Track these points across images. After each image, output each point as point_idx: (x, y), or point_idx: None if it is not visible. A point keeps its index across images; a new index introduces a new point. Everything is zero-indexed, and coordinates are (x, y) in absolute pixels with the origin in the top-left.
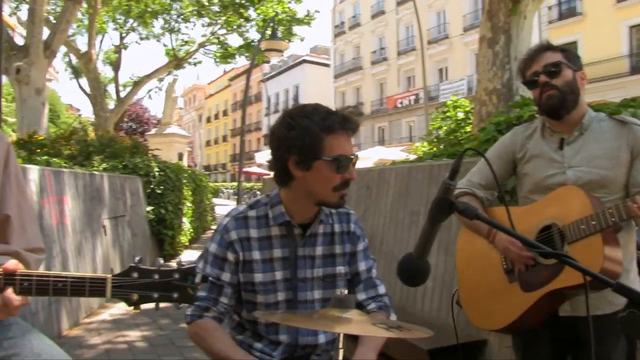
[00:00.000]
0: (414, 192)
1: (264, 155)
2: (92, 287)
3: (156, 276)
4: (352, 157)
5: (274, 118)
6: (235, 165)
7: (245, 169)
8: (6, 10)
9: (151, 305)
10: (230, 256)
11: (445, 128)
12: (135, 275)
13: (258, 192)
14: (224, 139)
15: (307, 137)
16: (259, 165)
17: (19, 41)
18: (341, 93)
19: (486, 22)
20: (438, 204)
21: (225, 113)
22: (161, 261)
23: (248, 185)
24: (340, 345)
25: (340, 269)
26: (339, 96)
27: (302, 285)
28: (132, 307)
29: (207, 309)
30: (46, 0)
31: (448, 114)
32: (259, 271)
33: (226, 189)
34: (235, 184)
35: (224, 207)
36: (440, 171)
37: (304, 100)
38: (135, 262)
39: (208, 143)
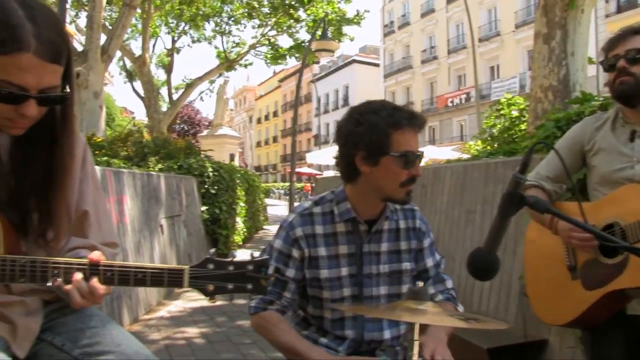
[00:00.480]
0: (469, 190)
1: (315, 156)
2: (170, 278)
3: (231, 268)
4: (419, 153)
5: (324, 118)
6: (286, 166)
7: (296, 170)
8: (66, 19)
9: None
10: (295, 253)
11: (499, 126)
12: (211, 266)
13: (308, 194)
14: (274, 139)
15: (374, 133)
16: (309, 166)
17: (78, 47)
18: (391, 93)
19: (541, 18)
20: (508, 198)
21: (275, 114)
22: (212, 251)
23: (299, 185)
24: (416, 336)
25: (406, 265)
26: (389, 96)
27: (368, 281)
28: (207, 298)
29: (271, 302)
30: (103, 7)
31: (502, 111)
32: (325, 267)
33: (277, 189)
34: (285, 184)
35: (275, 207)
36: (497, 169)
37: (353, 100)
38: (210, 254)
39: (258, 144)
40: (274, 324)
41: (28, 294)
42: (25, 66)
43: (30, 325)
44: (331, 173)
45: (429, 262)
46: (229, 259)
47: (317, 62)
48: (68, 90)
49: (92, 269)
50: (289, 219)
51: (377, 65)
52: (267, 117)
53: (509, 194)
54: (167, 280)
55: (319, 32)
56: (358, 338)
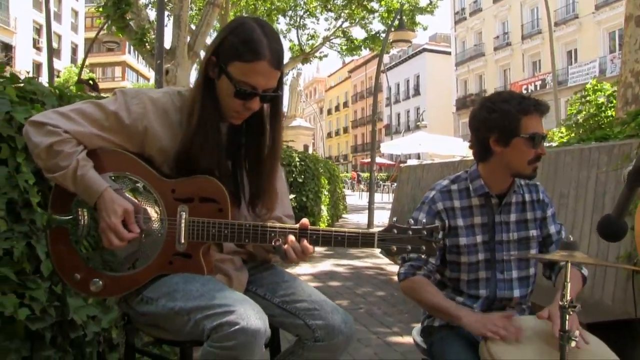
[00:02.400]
0: (562, 175)
1: (388, 146)
2: (363, 240)
3: (410, 232)
4: (544, 134)
5: (395, 108)
6: (357, 156)
7: (367, 160)
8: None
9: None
10: (438, 223)
11: (584, 113)
12: (394, 231)
13: (381, 182)
14: (345, 130)
15: (506, 119)
16: (381, 155)
17: (166, 45)
18: (463, 81)
19: (634, 0)
20: (636, 173)
21: (345, 105)
22: (395, 219)
23: (365, 174)
24: (568, 279)
25: (533, 232)
26: (461, 84)
27: (499, 247)
28: (390, 257)
29: (419, 267)
30: (189, 7)
31: (588, 98)
32: (463, 235)
33: (349, 179)
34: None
35: (348, 197)
36: (590, 154)
37: (424, 89)
38: (393, 221)
39: (329, 135)
40: (422, 287)
41: (233, 254)
42: (260, 71)
43: (241, 278)
44: (414, 161)
45: (552, 229)
46: (408, 225)
47: (388, 53)
48: (280, 92)
49: (302, 232)
50: (430, 195)
51: (448, 53)
52: (337, 108)
53: (636, 168)
54: (361, 242)
55: (395, 23)
56: (491, 296)
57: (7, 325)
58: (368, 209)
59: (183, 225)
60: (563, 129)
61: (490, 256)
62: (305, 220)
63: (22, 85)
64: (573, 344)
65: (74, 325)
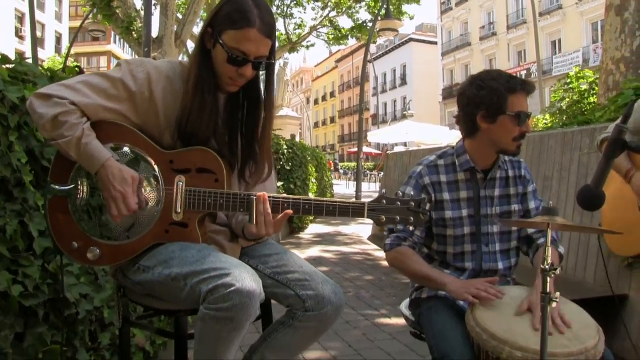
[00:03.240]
0: (546, 158)
1: (375, 135)
2: (354, 210)
3: (398, 203)
4: (529, 113)
5: (381, 98)
6: (344, 146)
7: (354, 149)
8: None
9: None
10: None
11: (567, 100)
12: (383, 202)
13: (368, 172)
14: (332, 120)
15: (494, 96)
16: (368, 145)
17: (153, 34)
18: (449, 70)
19: None
20: (613, 143)
21: (332, 94)
22: (384, 190)
23: (352, 164)
24: (549, 242)
25: (515, 207)
26: (447, 74)
27: (484, 220)
28: (379, 226)
29: (405, 238)
30: None
31: (571, 85)
32: (449, 209)
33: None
34: (344, 164)
35: (336, 186)
36: (573, 137)
37: (411, 79)
38: (382, 192)
39: (316, 124)
40: (408, 256)
41: (226, 225)
42: (251, 38)
43: (234, 248)
44: (401, 148)
45: (532, 205)
46: (396, 197)
47: (374, 42)
48: (272, 60)
49: (295, 202)
50: (417, 170)
51: (434, 43)
52: (324, 98)
53: (614, 139)
54: (352, 211)
55: (382, 12)
56: (477, 268)
57: (1, 301)
58: (355, 197)
59: (180, 194)
60: (547, 116)
61: (476, 229)
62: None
63: (13, 65)
64: (554, 304)
65: (67, 303)
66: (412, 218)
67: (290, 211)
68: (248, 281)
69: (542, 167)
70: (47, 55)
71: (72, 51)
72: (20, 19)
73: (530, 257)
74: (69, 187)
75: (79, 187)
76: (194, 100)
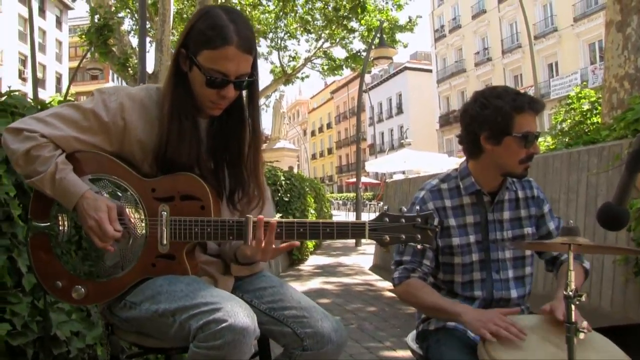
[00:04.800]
0: (551, 180)
1: (373, 164)
2: (353, 230)
3: (403, 220)
4: (537, 133)
5: (378, 127)
6: (342, 177)
7: (352, 180)
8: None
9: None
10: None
11: (569, 121)
12: (386, 220)
13: (367, 202)
14: (329, 151)
15: (499, 116)
16: (366, 175)
17: (149, 69)
18: (445, 98)
19: (614, 5)
20: (636, 155)
21: (329, 126)
22: (404, 208)
23: (351, 194)
24: (571, 267)
25: (528, 230)
26: (444, 101)
27: (494, 246)
28: (383, 248)
29: (414, 270)
30: (170, 32)
31: (572, 106)
32: (456, 235)
33: (335, 199)
34: (343, 194)
35: (335, 217)
36: (580, 157)
37: (407, 107)
38: (384, 210)
39: (314, 156)
40: (419, 289)
41: (219, 256)
42: (229, 57)
43: (227, 282)
44: (400, 177)
45: (551, 225)
46: (401, 213)
47: (369, 72)
48: (255, 77)
49: (288, 226)
50: (420, 195)
51: (429, 71)
52: (320, 130)
53: (635, 151)
54: (351, 233)
55: (375, 41)
56: (488, 297)
57: None
58: None
59: (165, 225)
60: (549, 138)
61: (485, 256)
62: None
63: (3, 99)
64: (581, 336)
65: (57, 341)
66: (419, 236)
67: (296, 243)
68: (241, 316)
69: (547, 190)
70: (49, 95)
71: (73, 90)
72: (23, 61)
73: (554, 273)
74: (48, 223)
75: (59, 223)
76: (171, 128)
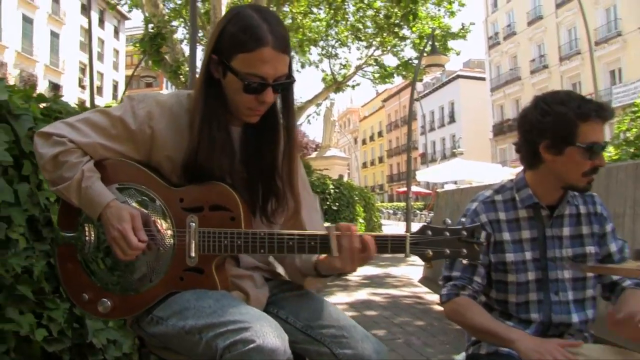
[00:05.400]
0: (615, 193)
1: (424, 174)
2: (394, 245)
3: (447, 234)
4: (604, 144)
5: (430, 136)
6: (393, 186)
7: (403, 189)
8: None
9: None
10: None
11: (634, 130)
12: (429, 233)
13: (418, 212)
14: (380, 160)
15: (562, 124)
16: (418, 184)
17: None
18: (499, 106)
19: None
20: None
21: (380, 134)
22: (449, 220)
23: (402, 204)
24: None
25: (590, 249)
26: (497, 109)
27: (552, 265)
28: (426, 263)
29: (463, 287)
30: None
31: (638, 114)
32: (510, 251)
33: (385, 209)
34: (393, 204)
35: (385, 226)
36: None
37: (459, 116)
38: (427, 222)
39: (364, 165)
40: (468, 308)
41: (253, 269)
42: (266, 58)
43: (259, 297)
44: (452, 187)
45: (613, 247)
46: (444, 226)
47: (421, 80)
48: (293, 79)
49: (323, 239)
50: (472, 207)
51: (482, 79)
52: (371, 138)
53: None
54: (391, 247)
55: (427, 49)
56: (546, 321)
57: (24, 346)
58: None
59: (193, 236)
60: (611, 148)
61: (542, 275)
62: (343, 224)
63: (48, 104)
64: None
65: (93, 349)
66: (465, 250)
67: (374, 247)
68: (271, 337)
69: (610, 203)
70: (106, 102)
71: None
72: (82, 70)
73: (612, 302)
74: (75, 233)
75: (86, 233)
76: (202, 138)
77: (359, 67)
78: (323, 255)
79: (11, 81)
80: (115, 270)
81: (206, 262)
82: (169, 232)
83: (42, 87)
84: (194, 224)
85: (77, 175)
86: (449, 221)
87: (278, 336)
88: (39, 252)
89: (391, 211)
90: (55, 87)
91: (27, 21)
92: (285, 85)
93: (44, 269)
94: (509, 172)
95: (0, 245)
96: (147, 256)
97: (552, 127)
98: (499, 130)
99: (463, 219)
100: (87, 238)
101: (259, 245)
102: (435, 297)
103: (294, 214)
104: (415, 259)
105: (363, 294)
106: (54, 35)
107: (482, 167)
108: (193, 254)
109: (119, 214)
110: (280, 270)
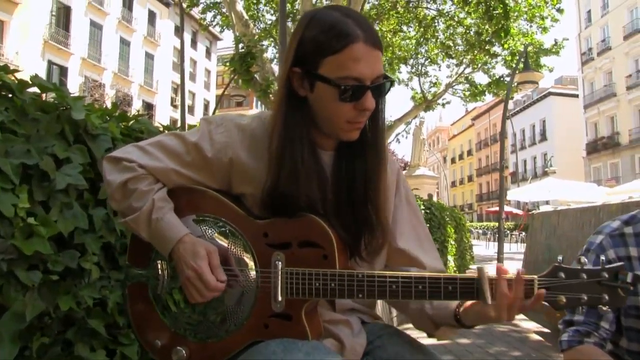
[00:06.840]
0: None
1: (514, 193)
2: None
3: (584, 276)
4: None
5: (521, 155)
6: (482, 205)
7: (493, 208)
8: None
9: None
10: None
11: None
12: (562, 275)
13: (508, 232)
14: (469, 179)
15: None
16: (508, 203)
17: None
18: (593, 124)
19: None
20: None
21: (469, 153)
22: (584, 259)
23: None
24: None
25: None
26: (591, 127)
27: None
28: (556, 312)
29: (588, 334)
30: None
31: None
32: None
33: (475, 228)
34: (483, 223)
35: (475, 247)
36: None
37: (551, 134)
38: (559, 261)
39: (453, 184)
40: (594, 358)
41: (350, 313)
42: (359, 56)
43: (356, 348)
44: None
45: None
46: (580, 266)
47: (512, 98)
48: (390, 78)
49: (433, 282)
50: (597, 241)
51: (575, 96)
52: (461, 157)
53: None
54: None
55: (520, 65)
56: None
57: None
58: (497, 259)
59: (280, 278)
60: None
61: None
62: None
63: (130, 123)
64: None
65: None
66: (606, 296)
67: (543, 291)
68: None
69: None
70: (197, 121)
71: None
72: (175, 90)
73: None
74: (147, 270)
75: (159, 269)
76: (284, 164)
77: (449, 85)
78: (469, 303)
79: (108, 101)
80: (191, 314)
81: (295, 308)
82: (252, 272)
83: (137, 107)
84: (280, 263)
85: (147, 206)
86: (585, 260)
87: None
88: (114, 282)
89: (481, 231)
90: (149, 107)
91: (124, 44)
92: (385, 88)
93: (118, 300)
94: (605, 192)
95: (72, 276)
96: (226, 299)
97: None
98: (593, 148)
99: (586, 256)
100: (160, 276)
101: (357, 289)
102: (532, 325)
103: (381, 249)
104: None
105: None
106: (149, 57)
107: (576, 186)
108: (280, 298)
109: (194, 250)
110: (378, 309)
